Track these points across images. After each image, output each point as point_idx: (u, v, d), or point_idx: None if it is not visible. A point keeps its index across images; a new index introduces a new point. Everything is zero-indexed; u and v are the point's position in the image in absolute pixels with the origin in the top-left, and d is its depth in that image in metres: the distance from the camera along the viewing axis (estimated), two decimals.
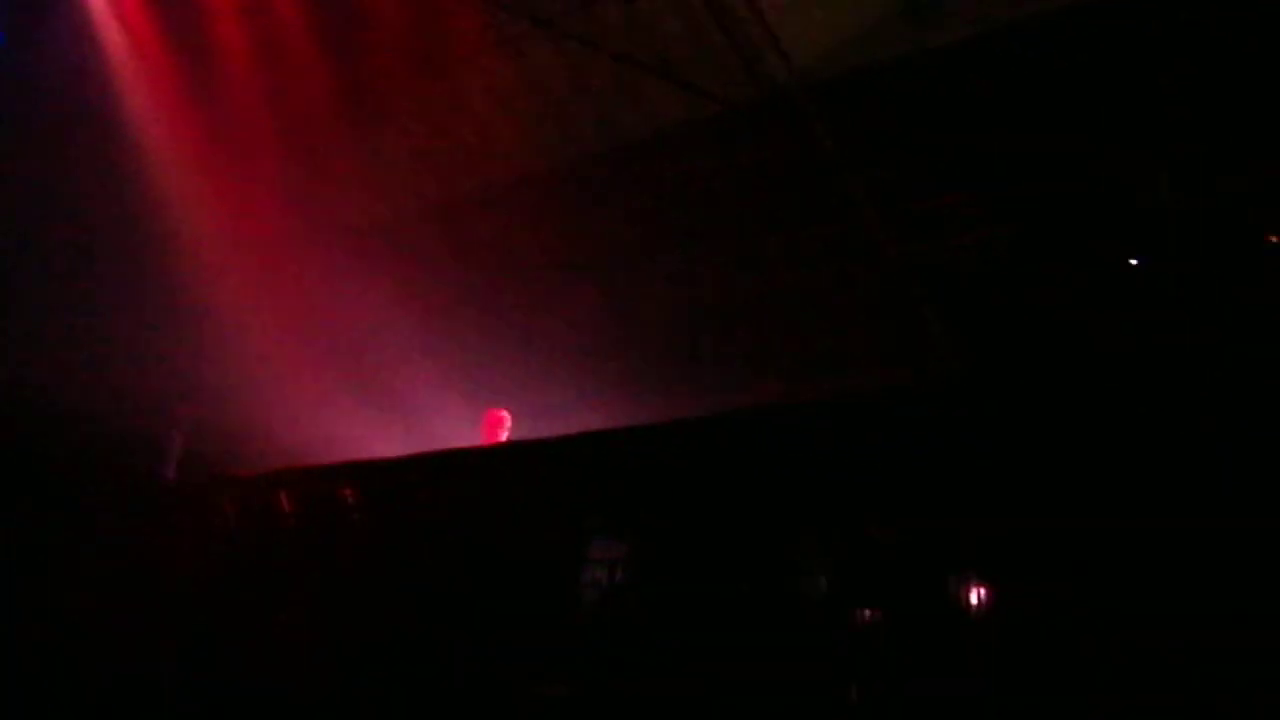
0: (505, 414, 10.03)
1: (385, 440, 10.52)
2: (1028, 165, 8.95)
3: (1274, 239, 8.31)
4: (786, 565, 5.58)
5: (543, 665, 6.08)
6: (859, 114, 9.62)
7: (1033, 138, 8.80)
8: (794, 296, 10.54)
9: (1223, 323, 7.95)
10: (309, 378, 12.01)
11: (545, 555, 6.44)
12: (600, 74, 10.96)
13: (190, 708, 7.47)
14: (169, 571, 8.53)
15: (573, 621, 6.10)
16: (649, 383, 10.94)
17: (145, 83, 11.65)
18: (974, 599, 4.85)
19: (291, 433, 11.15)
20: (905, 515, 5.30)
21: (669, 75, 10.46)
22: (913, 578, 5.14)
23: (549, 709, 5.91)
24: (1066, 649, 4.55)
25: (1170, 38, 8.23)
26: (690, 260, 11.20)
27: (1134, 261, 8.75)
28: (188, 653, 7.91)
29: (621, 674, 5.78)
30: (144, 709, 7.75)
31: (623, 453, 6.90)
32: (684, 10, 10.08)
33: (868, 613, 5.20)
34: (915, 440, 5.44)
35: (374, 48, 11.31)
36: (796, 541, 5.61)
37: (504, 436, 9.88)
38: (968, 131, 9.08)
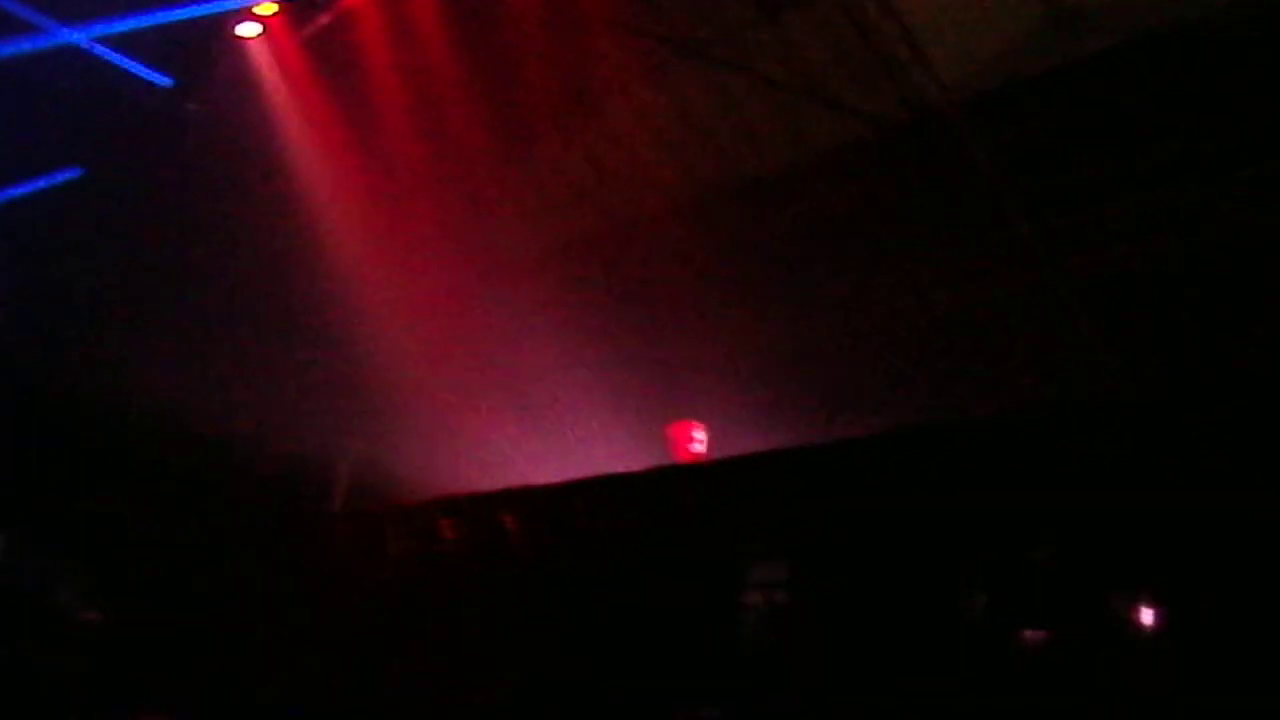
0: (697, 425, 9.62)
1: (550, 467, 10.69)
2: (1182, 173, 8.78)
3: None
4: (948, 586, 5.57)
5: (702, 689, 6.15)
6: (1010, 127, 9.53)
7: (1186, 146, 8.63)
8: (953, 315, 10.44)
9: None
10: (473, 407, 12.30)
11: (705, 577, 6.53)
12: (750, 98, 11.04)
13: None
14: (335, 599, 8.82)
15: (732, 645, 6.17)
16: (809, 405, 10.95)
17: (307, 126, 12.12)
18: (1139, 619, 4.79)
19: (457, 462, 11.40)
20: (1066, 534, 5.26)
21: (818, 97, 10.49)
22: (1074, 598, 5.10)
23: None
24: (1236, 671, 4.47)
25: None
26: (848, 282, 11.17)
27: None
28: (354, 678, 8.15)
29: (778, 697, 5.83)
30: None
31: (782, 475, 6.94)
32: (830, 31, 10.10)
33: (1029, 634, 5.16)
34: (1076, 457, 5.40)
35: (525, 83, 11.58)
36: (957, 562, 5.60)
37: (699, 449, 9.54)
38: (1121, 141, 8.95)
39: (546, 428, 12.17)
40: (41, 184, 12.43)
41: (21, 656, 10.12)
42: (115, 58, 11.76)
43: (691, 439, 9.65)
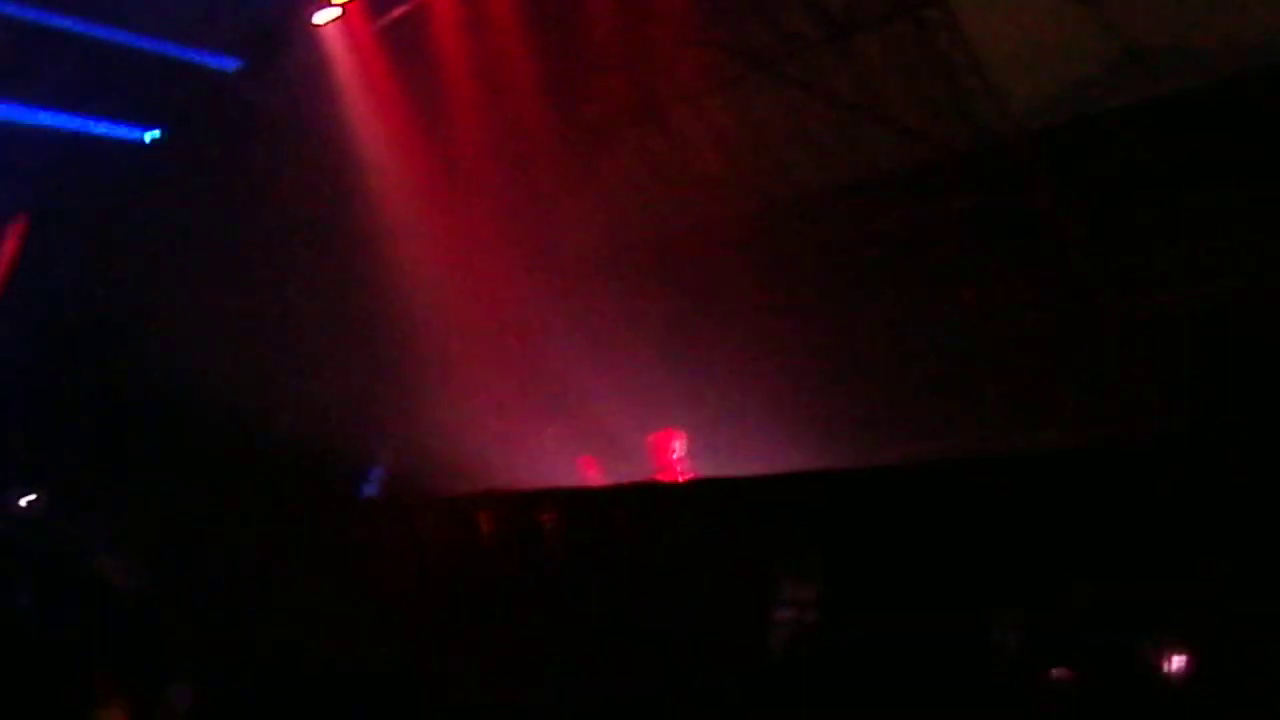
0: (677, 434, 9.63)
1: (585, 469, 10.71)
2: (1249, 220, 8.70)
3: None
4: (979, 619, 5.56)
5: (728, 701, 6.16)
6: (1076, 162, 9.48)
7: (1256, 192, 8.55)
8: (1001, 347, 10.41)
9: None
10: (515, 405, 12.33)
11: (736, 592, 6.54)
12: (815, 116, 11.05)
13: None
14: (369, 587, 8.88)
15: (761, 659, 6.18)
16: (847, 425, 10.92)
17: (375, 117, 12.21)
18: (1170, 666, 4.76)
19: (495, 459, 11.44)
20: (1103, 575, 5.24)
21: (884, 119, 10.49)
22: (1107, 641, 5.07)
23: None
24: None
25: None
26: (897, 306, 11.15)
27: None
28: (385, 665, 8.20)
29: (805, 714, 5.84)
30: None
31: (820, 495, 6.94)
32: (901, 55, 10.11)
33: (1058, 673, 5.14)
34: (1118, 498, 5.38)
35: (595, 87, 11.65)
36: (990, 596, 5.59)
37: (676, 457, 9.54)
38: (1189, 184, 8.88)
39: (589, 430, 12.16)
40: (119, 133, 12.57)
41: (53, 617, 10.25)
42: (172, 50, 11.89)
43: (670, 448, 9.61)
